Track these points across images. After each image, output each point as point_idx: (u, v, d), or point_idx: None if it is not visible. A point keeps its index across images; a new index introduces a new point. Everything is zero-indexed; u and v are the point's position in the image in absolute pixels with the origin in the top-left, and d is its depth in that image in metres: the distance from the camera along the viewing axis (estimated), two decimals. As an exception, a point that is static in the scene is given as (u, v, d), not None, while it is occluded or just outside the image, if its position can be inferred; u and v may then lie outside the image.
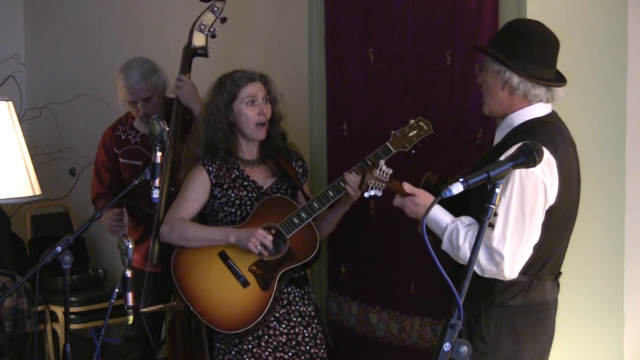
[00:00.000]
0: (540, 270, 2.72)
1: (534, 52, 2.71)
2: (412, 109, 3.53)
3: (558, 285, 2.85)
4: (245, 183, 3.46)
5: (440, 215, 2.79)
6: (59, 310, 5.12)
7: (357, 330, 3.86)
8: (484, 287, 2.69)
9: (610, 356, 3.15)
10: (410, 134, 3.36)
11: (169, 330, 3.75)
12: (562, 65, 2.80)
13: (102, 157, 4.18)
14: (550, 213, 2.66)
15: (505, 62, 2.71)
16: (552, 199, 2.64)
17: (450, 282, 2.02)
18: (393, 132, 3.37)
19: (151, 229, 3.82)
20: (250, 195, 3.45)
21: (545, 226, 2.66)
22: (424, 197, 2.86)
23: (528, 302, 2.73)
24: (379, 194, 2.99)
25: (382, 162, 3.03)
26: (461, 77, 3.33)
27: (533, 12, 3.09)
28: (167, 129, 2.85)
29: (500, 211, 2.61)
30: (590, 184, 2.85)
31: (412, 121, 3.37)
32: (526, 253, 2.64)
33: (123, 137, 4.13)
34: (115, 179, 4.15)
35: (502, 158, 2.62)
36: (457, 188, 2.08)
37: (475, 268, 2.62)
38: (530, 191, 2.59)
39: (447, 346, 2.00)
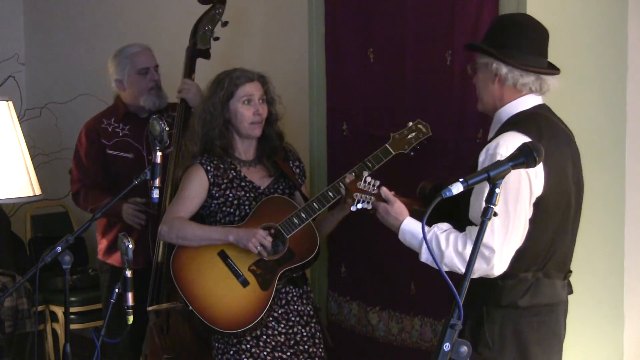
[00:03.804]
0: (545, 267, 2.66)
1: (522, 41, 2.70)
2: (412, 109, 3.53)
3: (569, 285, 2.80)
4: (243, 183, 3.46)
5: (415, 226, 2.77)
6: (59, 310, 5.13)
7: (357, 330, 3.85)
8: (488, 289, 2.65)
9: (610, 356, 3.15)
10: (409, 136, 3.36)
11: (151, 332, 3.73)
12: (561, 64, 2.80)
13: (86, 148, 4.11)
14: (539, 204, 2.61)
15: (491, 52, 2.70)
16: (538, 190, 2.60)
17: (449, 281, 2.02)
18: (392, 134, 3.37)
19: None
20: (248, 195, 3.44)
21: (538, 218, 2.61)
22: (397, 207, 2.84)
23: (536, 303, 2.66)
24: (368, 206, 2.95)
25: (365, 173, 3.02)
26: (461, 77, 3.32)
27: (533, 13, 3.09)
28: (167, 129, 2.86)
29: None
30: (590, 184, 2.84)
31: (411, 123, 3.37)
32: (512, 246, 2.59)
33: (110, 130, 4.11)
34: (99, 170, 4.10)
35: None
36: (457, 188, 2.08)
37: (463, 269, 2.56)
38: (512, 182, 2.54)
39: (447, 346, 2.00)
